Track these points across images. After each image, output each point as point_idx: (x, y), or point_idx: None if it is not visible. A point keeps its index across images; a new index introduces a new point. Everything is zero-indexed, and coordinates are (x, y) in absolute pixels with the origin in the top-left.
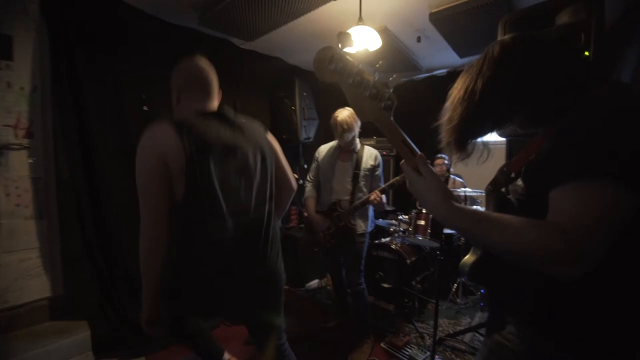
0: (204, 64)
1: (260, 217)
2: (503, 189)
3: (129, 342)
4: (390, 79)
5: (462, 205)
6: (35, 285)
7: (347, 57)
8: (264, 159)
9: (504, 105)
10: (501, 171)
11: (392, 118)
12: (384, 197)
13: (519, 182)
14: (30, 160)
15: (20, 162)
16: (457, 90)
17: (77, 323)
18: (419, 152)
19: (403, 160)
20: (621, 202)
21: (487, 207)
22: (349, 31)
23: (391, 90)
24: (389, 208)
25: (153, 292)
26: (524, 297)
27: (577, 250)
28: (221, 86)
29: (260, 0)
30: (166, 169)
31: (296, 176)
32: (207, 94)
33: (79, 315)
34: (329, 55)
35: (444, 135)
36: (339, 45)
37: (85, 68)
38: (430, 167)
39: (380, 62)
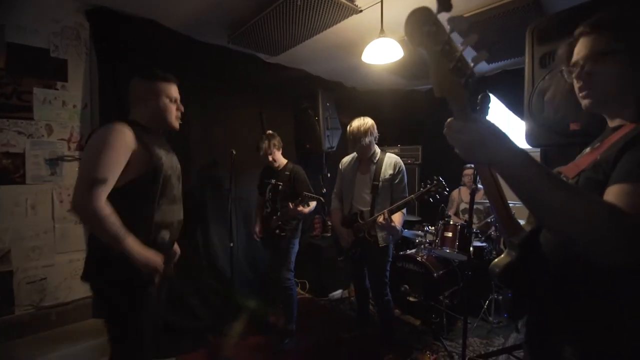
0: None
1: None
2: None
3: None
4: (472, 58)
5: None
6: (81, 284)
7: (440, 22)
8: None
9: None
10: None
11: (469, 96)
12: (400, 217)
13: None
14: None
15: (72, 172)
16: None
17: None
18: None
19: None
20: None
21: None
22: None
23: (474, 67)
24: (411, 221)
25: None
26: (579, 312)
27: (631, 236)
28: (248, 98)
29: (285, 18)
30: None
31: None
32: None
33: None
34: (424, 16)
35: None
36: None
37: (128, 85)
38: None
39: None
